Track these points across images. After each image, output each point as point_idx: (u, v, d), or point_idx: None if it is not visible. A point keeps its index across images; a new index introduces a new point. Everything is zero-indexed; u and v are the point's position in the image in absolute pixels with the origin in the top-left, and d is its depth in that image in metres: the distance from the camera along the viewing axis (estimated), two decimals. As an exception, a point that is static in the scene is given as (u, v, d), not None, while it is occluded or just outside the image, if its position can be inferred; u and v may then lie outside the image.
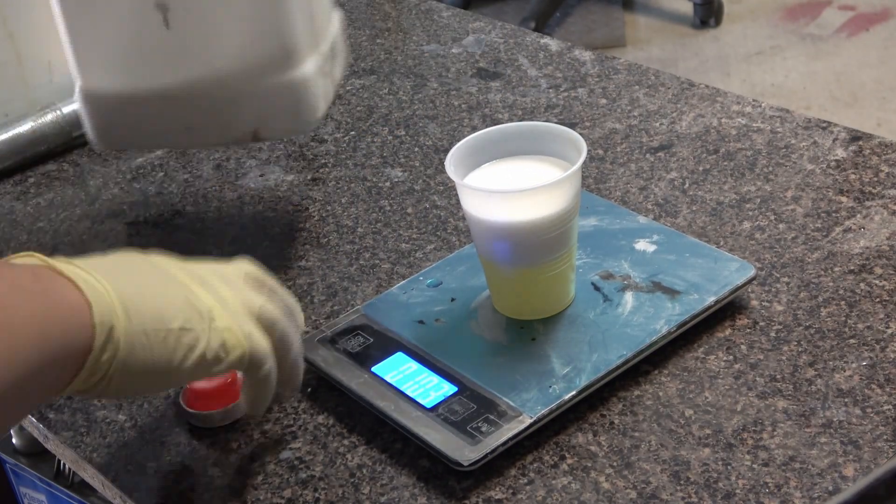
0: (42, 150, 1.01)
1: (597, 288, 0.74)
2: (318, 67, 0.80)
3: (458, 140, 0.73)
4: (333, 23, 0.86)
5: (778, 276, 0.76)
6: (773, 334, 0.72)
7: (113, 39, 0.78)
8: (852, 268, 0.76)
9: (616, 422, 0.67)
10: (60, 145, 1.02)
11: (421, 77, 1.06)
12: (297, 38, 0.78)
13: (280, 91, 0.78)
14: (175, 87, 0.78)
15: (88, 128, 0.83)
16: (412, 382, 0.69)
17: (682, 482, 0.63)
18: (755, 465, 0.63)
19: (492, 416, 0.66)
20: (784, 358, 0.70)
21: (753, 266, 0.74)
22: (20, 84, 0.98)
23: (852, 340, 0.70)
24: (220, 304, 0.61)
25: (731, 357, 0.70)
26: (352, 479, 0.66)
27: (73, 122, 1.00)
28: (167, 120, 0.80)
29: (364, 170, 0.94)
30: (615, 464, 0.65)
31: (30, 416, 0.74)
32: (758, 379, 0.69)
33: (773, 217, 0.82)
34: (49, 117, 1.00)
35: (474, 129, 0.97)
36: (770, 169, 0.87)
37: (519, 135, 0.73)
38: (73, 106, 0.98)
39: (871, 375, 0.68)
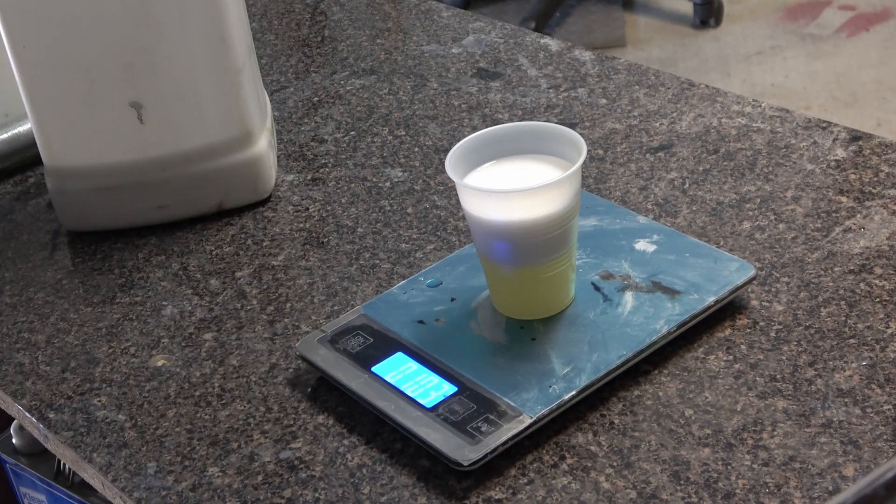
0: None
1: (597, 288, 0.74)
2: (268, 142, 0.91)
3: (458, 140, 0.73)
4: (267, 100, 0.97)
5: (778, 276, 0.76)
6: (773, 334, 0.72)
7: (86, 137, 0.85)
8: (852, 268, 0.76)
9: (616, 422, 0.67)
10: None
11: (421, 77, 1.06)
12: (253, 120, 0.88)
13: (241, 167, 0.89)
14: (148, 174, 0.87)
15: (59, 214, 0.89)
16: (412, 382, 0.69)
17: (682, 482, 0.63)
18: (755, 465, 0.63)
19: (492, 416, 0.66)
20: (784, 358, 0.70)
21: (753, 266, 0.74)
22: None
23: (852, 340, 0.70)
24: None
25: (731, 357, 0.70)
26: (352, 479, 0.66)
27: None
28: (140, 203, 0.88)
29: (364, 170, 0.94)
30: (615, 464, 0.65)
31: (30, 416, 0.74)
32: (758, 379, 0.69)
33: (773, 217, 0.82)
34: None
35: (474, 129, 0.97)
36: (770, 169, 0.87)
37: (519, 135, 0.73)
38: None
39: (871, 375, 0.68)
